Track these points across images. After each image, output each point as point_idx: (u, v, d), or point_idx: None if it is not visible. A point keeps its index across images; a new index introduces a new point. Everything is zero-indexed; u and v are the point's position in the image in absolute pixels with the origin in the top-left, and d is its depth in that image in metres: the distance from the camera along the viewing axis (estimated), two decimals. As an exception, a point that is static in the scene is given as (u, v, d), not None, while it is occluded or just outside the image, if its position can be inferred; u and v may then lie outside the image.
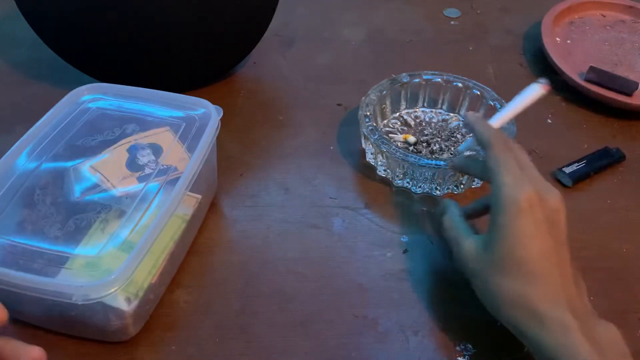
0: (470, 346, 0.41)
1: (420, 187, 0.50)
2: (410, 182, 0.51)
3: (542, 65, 0.68)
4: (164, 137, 0.45)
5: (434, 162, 0.48)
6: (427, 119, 0.58)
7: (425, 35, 0.74)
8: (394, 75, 0.57)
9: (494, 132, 0.40)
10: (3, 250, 0.37)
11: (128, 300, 0.38)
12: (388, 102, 0.56)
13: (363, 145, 0.55)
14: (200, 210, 0.48)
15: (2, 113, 0.61)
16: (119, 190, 0.41)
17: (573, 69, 0.63)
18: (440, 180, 0.50)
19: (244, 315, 0.43)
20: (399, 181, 0.51)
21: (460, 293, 0.44)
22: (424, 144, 0.54)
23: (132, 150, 0.44)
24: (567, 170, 0.53)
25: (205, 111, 0.47)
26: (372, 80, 0.66)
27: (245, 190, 0.52)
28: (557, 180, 0.54)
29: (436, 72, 0.57)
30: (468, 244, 0.38)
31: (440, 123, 0.57)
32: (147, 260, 0.37)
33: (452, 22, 0.77)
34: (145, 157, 0.44)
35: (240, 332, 0.42)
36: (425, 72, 0.57)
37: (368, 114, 0.52)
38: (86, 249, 0.37)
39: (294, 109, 0.62)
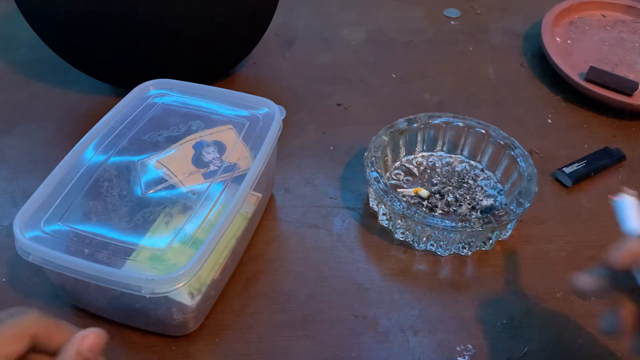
0: (470, 346, 0.41)
1: (448, 249, 0.47)
2: (435, 245, 0.47)
3: (542, 65, 0.68)
4: (228, 135, 0.46)
5: (467, 225, 0.44)
6: (430, 164, 0.54)
7: (425, 35, 0.74)
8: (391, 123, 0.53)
9: None
10: (70, 239, 0.37)
11: (191, 295, 0.39)
12: (389, 152, 0.52)
13: (373, 206, 0.50)
14: (259, 208, 0.48)
15: (3, 113, 0.61)
16: (185, 186, 0.42)
17: (573, 69, 0.63)
18: (470, 240, 0.46)
19: (244, 315, 0.43)
20: (422, 245, 0.47)
21: (460, 293, 0.44)
22: (437, 196, 0.50)
23: (198, 147, 0.45)
24: (567, 170, 0.53)
25: (268, 111, 0.48)
26: (372, 80, 0.66)
27: (245, 190, 0.52)
28: (557, 180, 0.54)
29: (435, 114, 0.53)
30: None
31: (446, 167, 0.53)
32: (211, 256, 0.37)
33: (452, 22, 0.77)
34: (210, 154, 0.44)
35: (240, 332, 0.42)
36: (423, 114, 0.53)
37: (379, 171, 0.48)
38: (151, 242, 0.38)
39: (294, 109, 0.62)
